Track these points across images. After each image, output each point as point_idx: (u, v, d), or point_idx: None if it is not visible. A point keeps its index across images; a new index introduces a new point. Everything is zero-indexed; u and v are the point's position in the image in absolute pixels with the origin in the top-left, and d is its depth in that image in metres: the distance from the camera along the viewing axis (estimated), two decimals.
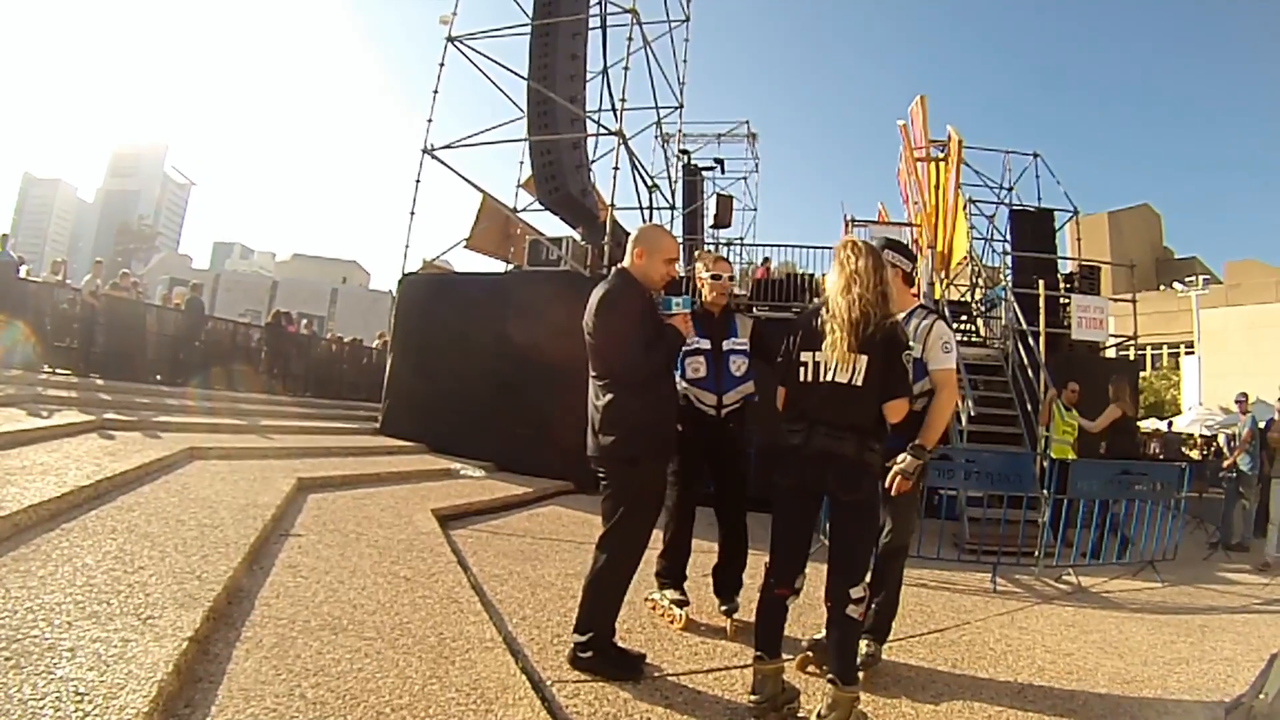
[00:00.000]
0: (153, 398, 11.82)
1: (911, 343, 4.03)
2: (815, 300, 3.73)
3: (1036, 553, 7.55)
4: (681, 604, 4.68)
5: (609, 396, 3.78)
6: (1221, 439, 17.55)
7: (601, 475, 3.91)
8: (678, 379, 4.70)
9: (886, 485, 3.86)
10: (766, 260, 17.83)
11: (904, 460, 3.80)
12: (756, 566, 3.93)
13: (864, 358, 3.31)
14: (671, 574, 4.82)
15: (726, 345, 4.75)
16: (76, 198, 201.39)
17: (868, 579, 3.45)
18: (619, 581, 3.81)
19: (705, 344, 4.75)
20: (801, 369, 3.49)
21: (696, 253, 19.85)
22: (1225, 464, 11.98)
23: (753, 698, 3.34)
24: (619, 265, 4.07)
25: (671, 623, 4.58)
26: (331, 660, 3.27)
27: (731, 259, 17.32)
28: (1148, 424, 24.95)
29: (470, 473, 10.13)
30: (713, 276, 4.89)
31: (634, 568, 3.88)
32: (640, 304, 3.87)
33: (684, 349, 4.64)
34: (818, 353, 3.42)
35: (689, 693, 3.57)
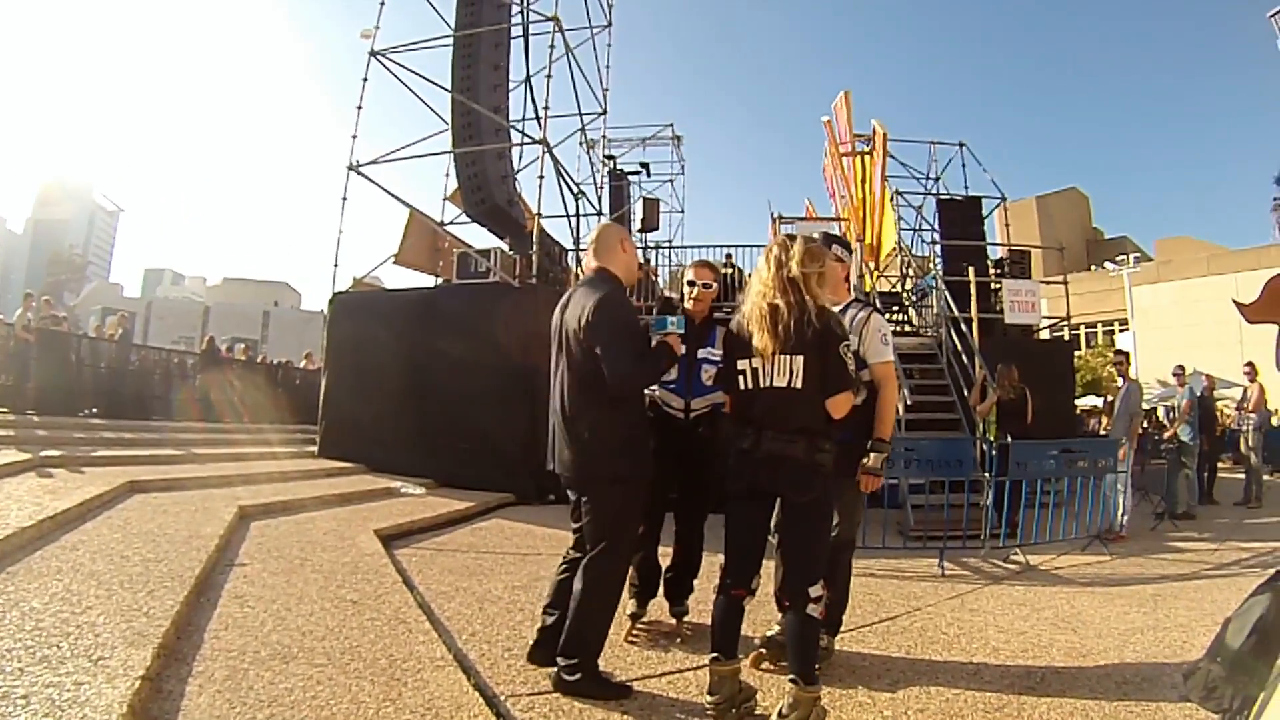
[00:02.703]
0: (90, 432, 11.63)
1: (849, 336, 4.11)
2: (739, 299, 3.73)
3: (982, 535, 7.67)
4: (636, 616, 4.64)
5: (594, 411, 3.69)
6: (1161, 411, 17.94)
7: (575, 494, 3.88)
8: None
9: (863, 488, 3.95)
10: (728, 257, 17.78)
11: (870, 458, 3.89)
12: (708, 568, 3.97)
13: (799, 358, 3.33)
14: (637, 583, 4.70)
15: (701, 353, 4.71)
16: (5, 229, 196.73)
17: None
18: (609, 604, 3.76)
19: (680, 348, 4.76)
20: (740, 377, 3.50)
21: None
22: (1166, 435, 12.28)
23: (710, 698, 3.35)
24: (597, 268, 3.97)
25: (625, 633, 4.54)
26: (284, 690, 3.26)
27: (659, 263, 17.40)
28: (1086, 401, 25.31)
29: (411, 491, 10.04)
30: (696, 284, 4.90)
31: (621, 588, 3.86)
32: (634, 311, 3.84)
33: None
34: (753, 359, 3.43)
35: (644, 697, 3.60)
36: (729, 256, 16.59)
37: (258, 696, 3.18)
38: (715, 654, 3.40)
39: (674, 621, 4.70)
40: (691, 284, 4.84)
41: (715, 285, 4.83)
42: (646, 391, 4.65)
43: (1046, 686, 3.94)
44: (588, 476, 3.75)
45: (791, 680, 3.26)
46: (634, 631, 4.54)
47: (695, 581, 4.73)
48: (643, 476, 3.80)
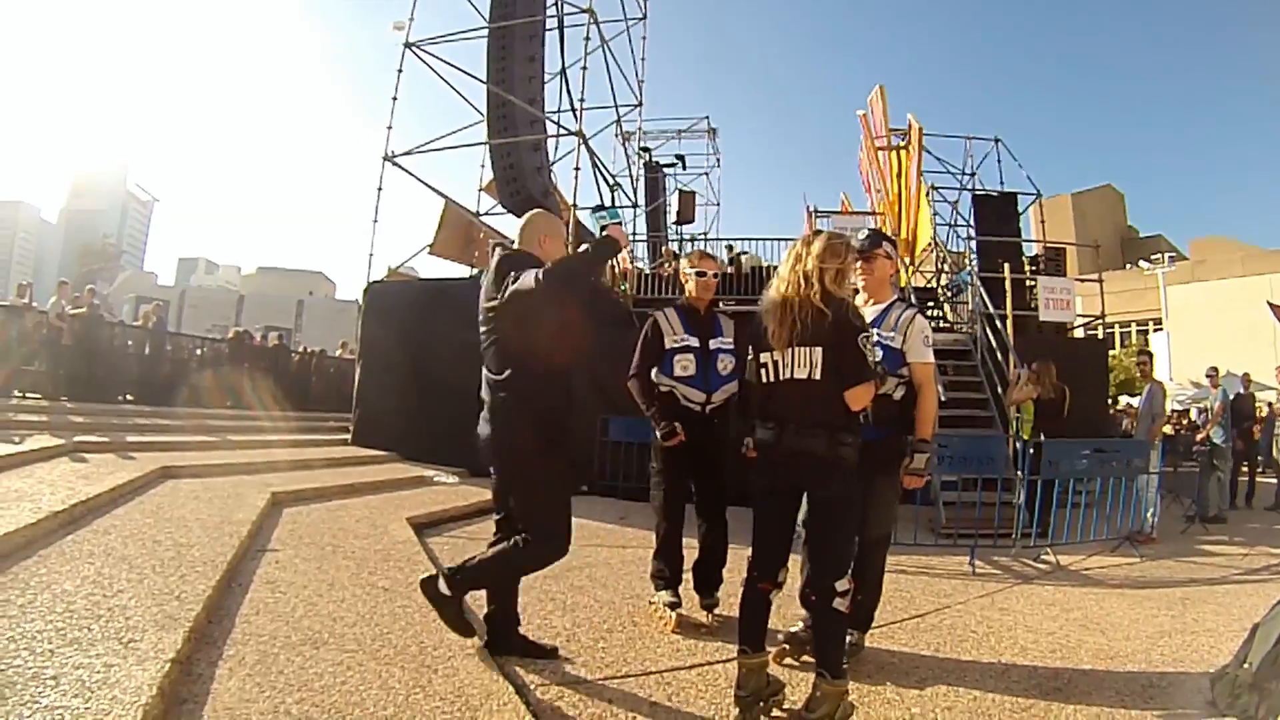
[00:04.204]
0: (123, 418, 11.72)
1: (892, 331, 4.08)
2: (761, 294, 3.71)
3: (1013, 534, 7.60)
4: (674, 605, 4.64)
5: (520, 383, 3.69)
6: (1194, 412, 17.75)
7: (498, 468, 3.96)
8: (664, 377, 4.74)
9: (906, 487, 3.92)
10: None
11: (915, 459, 3.87)
12: (737, 561, 3.95)
13: (817, 350, 3.31)
14: (664, 575, 4.77)
15: (714, 344, 4.73)
16: (39, 219, 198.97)
17: (850, 571, 3.45)
18: (515, 575, 3.94)
19: (694, 341, 4.75)
20: (762, 370, 3.49)
21: (663, 249, 19.87)
22: (1199, 437, 12.12)
23: (738, 692, 3.33)
24: (519, 248, 3.96)
25: (665, 624, 4.55)
26: (314, 675, 3.27)
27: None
28: (1119, 401, 25.06)
29: (444, 479, 10.08)
30: (698, 273, 4.88)
31: (533, 570, 3.96)
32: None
33: (673, 347, 4.70)
34: (774, 352, 3.42)
35: (674, 690, 3.59)
36: (730, 249, 16.59)
37: (288, 681, 3.18)
38: (743, 647, 3.39)
39: (704, 614, 4.69)
40: (702, 274, 4.85)
41: (717, 275, 4.85)
42: (665, 387, 4.67)
43: (1073, 689, 3.90)
44: (507, 447, 3.78)
45: (818, 674, 3.25)
46: (676, 627, 4.51)
47: (725, 574, 4.73)
48: (562, 455, 3.84)
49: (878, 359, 3.53)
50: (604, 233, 3.67)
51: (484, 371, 3.85)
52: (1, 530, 4.37)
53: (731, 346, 4.80)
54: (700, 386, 4.69)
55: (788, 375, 3.37)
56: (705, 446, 4.68)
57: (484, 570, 3.76)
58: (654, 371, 4.79)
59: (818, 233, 3.62)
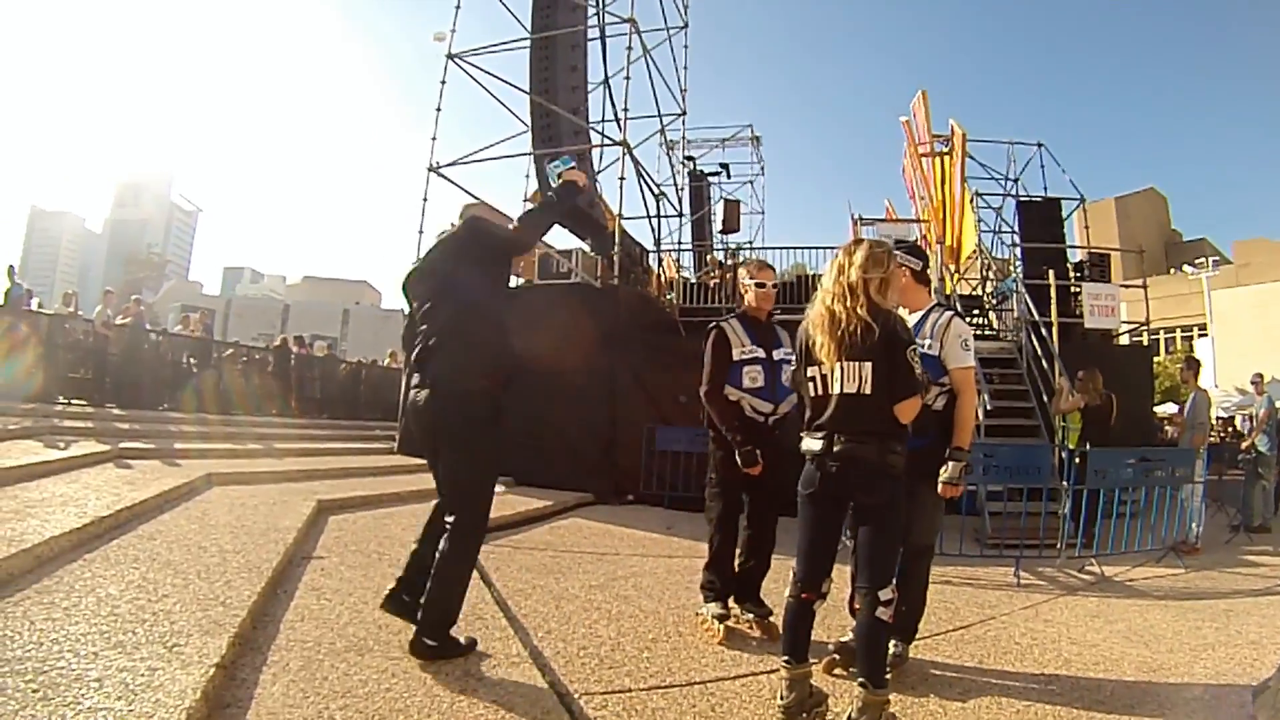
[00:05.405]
0: (169, 425, 11.89)
1: (929, 339, 4.04)
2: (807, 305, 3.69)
3: (1058, 544, 7.51)
4: (723, 618, 4.59)
5: (468, 355, 3.80)
6: (1239, 420, 17.44)
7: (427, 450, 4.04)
8: (733, 388, 4.71)
9: (940, 493, 3.87)
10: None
11: (949, 468, 3.82)
12: (780, 571, 3.92)
13: (868, 364, 3.29)
14: (714, 586, 4.73)
15: (777, 355, 4.70)
16: (84, 229, 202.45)
17: (895, 581, 3.43)
18: (466, 574, 3.87)
19: (760, 352, 4.72)
20: (810, 384, 3.49)
21: (708, 258, 19.83)
22: (1244, 445, 11.88)
23: (781, 702, 3.31)
24: (474, 215, 4.22)
25: (712, 637, 4.49)
26: (359, 681, 3.28)
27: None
28: (1165, 409, 24.71)
29: None
30: (757, 284, 4.86)
31: (474, 556, 3.98)
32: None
33: (742, 358, 4.68)
34: (821, 366, 3.41)
35: (717, 700, 3.56)
36: (796, 265, 16.53)
37: (332, 687, 3.19)
38: (787, 657, 3.37)
39: (751, 623, 4.66)
40: (761, 285, 4.83)
41: (776, 286, 4.84)
42: (733, 398, 4.64)
43: (1115, 702, 3.85)
44: (440, 423, 3.85)
45: (860, 684, 3.23)
46: (724, 639, 4.45)
47: (768, 584, 4.70)
48: (489, 434, 3.89)
49: (922, 370, 3.49)
50: (560, 180, 3.90)
51: (426, 335, 3.90)
52: (47, 534, 4.46)
53: (792, 356, 4.77)
54: (768, 397, 4.66)
55: (837, 389, 3.35)
56: (766, 457, 4.64)
57: (437, 603, 3.69)
58: None
59: (859, 241, 3.60)
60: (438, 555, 3.72)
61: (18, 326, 11.99)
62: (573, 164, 3.99)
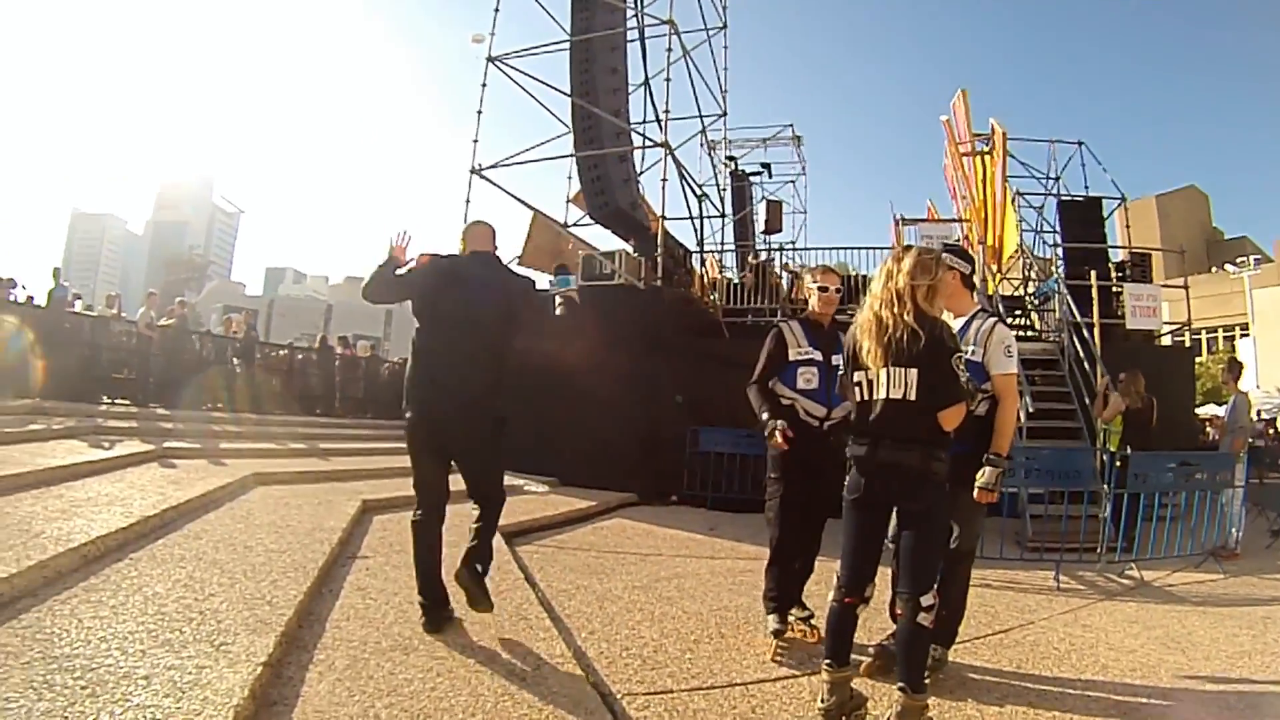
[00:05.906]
0: (213, 425, 12.05)
1: (973, 345, 4.02)
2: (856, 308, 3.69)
3: (1099, 548, 7.44)
4: (779, 633, 4.48)
5: (496, 366, 4.58)
6: None
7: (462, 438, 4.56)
8: (786, 389, 4.71)
9: (976, 499, 3.86)
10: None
11: (985, 474, 3.79)
12: (822, 574, 3.92)
13: (913, 371, 3.30)
14: (774, 596, 4.66)
15: (835, 359, 4.68)
16: (126, 231, 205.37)
17: (936, 586, 3.43)
18: (491, 536, 4.50)
19: (818, 355, 4.69)
20: (856, 389, 3.50)
21: (750, 259, 19.80)
22: None
23: (822, 705, 3.33)
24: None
25: (765, 650, 4.39)
26: (404, 680, 3.32)
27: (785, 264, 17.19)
28: (1206, 410, 24.33)
29: (533, 489, 10.16)
30: (820, 288, 4.85)
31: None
32: None
33: (797, 359, 4.70)
34: (868, 371, 3.42)
35: (758, 702, 3.57)
36: (840, 264, 16.43)
37: (377, 686, 3.24)
38: (828, 660, 3.39)
39: (801, 628, 4.64)
40: (824, 289, 4.83)
41: (839, 290, 4.82)
42: (786, 400, 4.64)
43: (1151, 709, 3.85)
44: (478, 417, 4.58)
45: (900, 688, 3.22)
46: (776, 654, 4.35)
47: (810, 586, 4.70)
48: (501, 437, 4.68)
49: (968, 377, 3.48)
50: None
51: (453, 347, 4.53)
52: (94, 533, 4.55)
53: None
54: (822, 400, 4.63)
55: (883, 395, 3.36)
56: (817, 461, 4.61)
57: (484, 549, 4.34)
58: (774, 382, 4.74)
59: (907, 248, 3.61)
60: (479, 525, 4.45)
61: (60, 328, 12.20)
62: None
